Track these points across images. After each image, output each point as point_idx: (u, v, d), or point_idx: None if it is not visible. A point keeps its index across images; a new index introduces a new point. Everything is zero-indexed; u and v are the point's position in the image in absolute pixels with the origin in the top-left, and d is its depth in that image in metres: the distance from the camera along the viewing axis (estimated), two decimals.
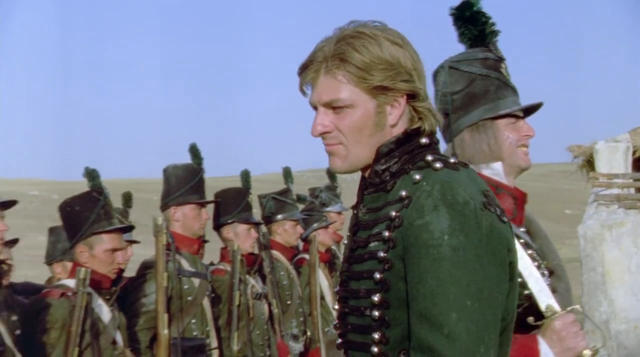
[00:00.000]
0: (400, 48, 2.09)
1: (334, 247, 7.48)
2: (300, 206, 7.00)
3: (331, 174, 7.95)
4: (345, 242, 2.26)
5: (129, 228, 4.80)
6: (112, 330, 4.29)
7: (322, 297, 6.93)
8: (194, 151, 5.35)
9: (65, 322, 4.05)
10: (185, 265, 5.02)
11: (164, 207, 5.20)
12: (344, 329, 2.14)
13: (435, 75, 2.92)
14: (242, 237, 5.68)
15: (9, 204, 3.93)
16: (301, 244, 7.09)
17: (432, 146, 2.13)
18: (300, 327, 6.38)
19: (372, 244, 2.08)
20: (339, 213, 7.72)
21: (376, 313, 2.03)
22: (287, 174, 7.19)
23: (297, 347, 6.25)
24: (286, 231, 6.48)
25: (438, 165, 2.05)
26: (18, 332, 3.83)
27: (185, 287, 4.97)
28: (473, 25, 2.92)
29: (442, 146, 2.36)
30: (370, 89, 2.08)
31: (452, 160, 2.09)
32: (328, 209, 7.58)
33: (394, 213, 2.03)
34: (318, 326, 6.66)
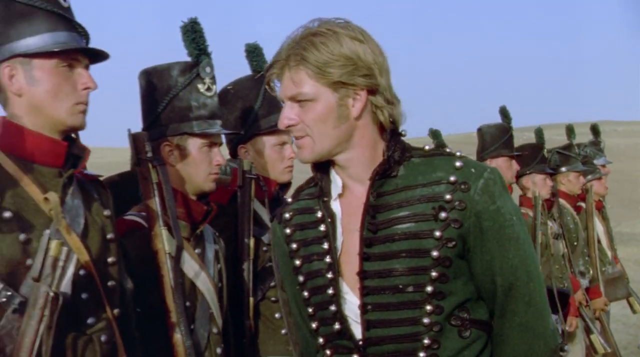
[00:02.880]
0: (361, 43, 2.20)
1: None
2: None
3: (595, 130, 8.66)
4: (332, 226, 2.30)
5: None
6: None
7: (599, 241, 7.74)
8: (504, 112, 6.29)
9: None
10: None
11: (480, 160, 6.19)
12: (364, 309, 2.21)
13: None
14: (540, 185, 6.59)
15: None
16: None
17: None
18: (586, 266, 7.24)
19: (408, 225, 2.21)
20: (603, 166, 8.45)
21: (429, 288, 2.19)
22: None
23: (584, 282, 7.11)
24: (570, 181, 7.32)
25: (458, 153, 2.30)
26: None
27: None
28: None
29: None
30: (330, 84, 2.19)
31: (448, 149, 2.38)
32: (595, 162, 8.33)
33: (449, 196, 2.21)
34: (597, 265, 7.48)
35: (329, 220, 2.27)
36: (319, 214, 2.29)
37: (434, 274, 2.18)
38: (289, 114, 2.22)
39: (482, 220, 2.21)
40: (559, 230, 6.74)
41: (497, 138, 6.14)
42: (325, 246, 2.27)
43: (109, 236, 2.43)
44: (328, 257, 2.26)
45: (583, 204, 7.65)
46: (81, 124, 2.39)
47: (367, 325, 2.20)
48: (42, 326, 2.02)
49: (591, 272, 7.37)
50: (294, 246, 2.34)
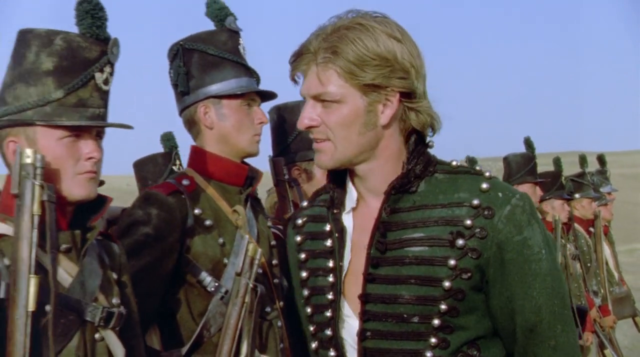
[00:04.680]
0: (399, 43, 1.98)
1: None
2: None
3: (601, 160, 9.26)
4: (321, 242, 2.15)
5: None
6: None
7: (606, 263, 8.31)
8: (529, 143, 6.86)
9: None
10: None
11: None
12: (363, 335, 2.03)
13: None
14: (558, 210, 7.15)
15: None
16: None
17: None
18: (598, 285, 7.81)
19: (421, 248, 2.00)
20: (609, 193, 9.04)
21: (437, 321, 1.98)
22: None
23: (597, 301, 7.66)
24: (583, 207, 7.90)
25: (487, 173, 2.08)
26: None
27: None
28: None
29: None
30: (361, 86, 1.98)
31: (478, 167, 2.14)
32: (601, 190, 8.92)
33: (469, 222, 1.99)
34: (605, 285, 8.04)
35: (337, 235, 2.09)
36: (327, 227, 2.12)
37: (443, 306, 1.97)
38: (310, 114, 2.02)
39: (505, 251, 1.99)
40: (576, 252, 7.31)
41: (522, 166, 6.70)
42: (331, 263, 2.09)
43: (272, 242, 2.88)
44: (331, 275, 2.08)
45: (592, 229, 8.23)
46: (257, 152, 2.86)
47: (364, 353, 2.02)
48: (243, 311, 2.51)
49: (602, 291, 7.93)
50: (303, 255, 2.17)
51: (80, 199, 2.17)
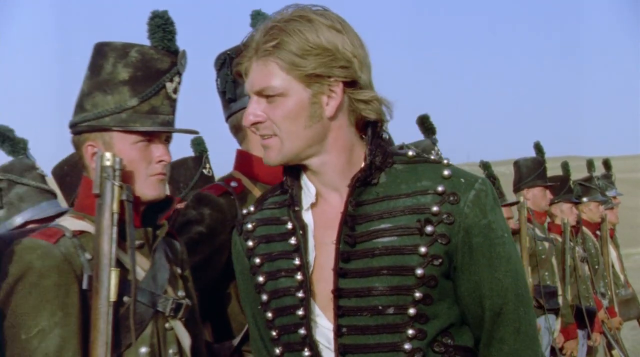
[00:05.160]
0: (339, 33, 1.97)
1: None
2: None
3: (607, 164, 9.45)
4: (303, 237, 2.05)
5: None
6: None
7: (612, 265, 8.49)
8: (539, 147, 7.05)
9: None
10: (538, 232, 6.73)
11: (517, 189, 6.94)
12: (339, 332, 1.98)
13: None
14: (567, 213, 7.33)
15: None
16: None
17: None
18: (605, 287, 8.00)
19: (390, 239, 1.97)
20: (614, 197, 9.23)
21: (412, 310, 1.95)
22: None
23: (605, 302, 7.85)
24: (591, 210, 8.09)
25: (445, 161, 2.06)
26: None
27: (539, 248, 6.67)
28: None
29: None
30: (303, 77, 1.95)
31: (432, 156, 2.14)
32: (607, 193, 9.11)
33: (436, 208, 1.97)
34: (612, 288, 8.23)
35: (301, 232, 2.04)
36: (290, 225, 2.06)
37: (417, 294, 1.95)
38: (254, 110, 1.99)
39: (472, 236, 1.98)
40: (584, 254, 7.49)
41: (532, 170, 6.88)
42: (297, 261, 2.03)
43: None
44: (299, 273, 2.02)
45: (599, 232, 8.42)
46: None
47: (341, 350, 1.97)
48: None
49: (609, 293, 8.11)
50: (257, 260, 2.10)
51: (152, 199, 2.34)
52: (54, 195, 3.57)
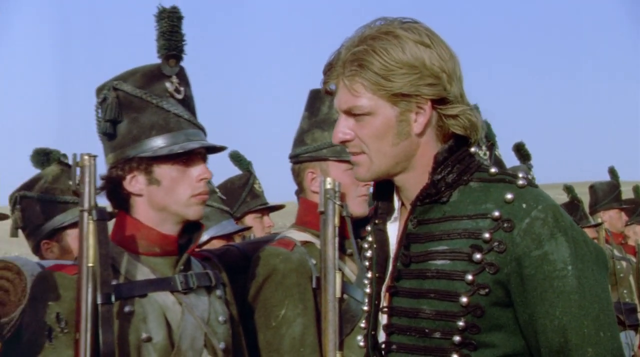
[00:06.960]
0: (427, 48, 1.94)
1: None
2: None
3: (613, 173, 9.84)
4: (367, 251, 2.13)
5: None
6: None
7: None
8: (613, 172, 7.52)
9: None
10: (616, 252, 7.18)
11: (593, 212, 7.40)
12: (388, 348, 1.99)
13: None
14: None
15: None
16: None
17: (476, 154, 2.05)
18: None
19: (443, 262, 1.93)
20: None
21: (457, 338, 1.89)
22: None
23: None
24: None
25: (520, 182, 1.95)
26: None
27: (617, 267, 7.12)
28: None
29: None
30: (389, 96, 1.94)
31: (520, 174, 1.98)
32: None
33: (487, 235, 1.90)
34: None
35: (375, 246, 2.07)
36: (370, 238, 2.12)
37: (461, 323, 1.89)
38: (343, 128, 2.00)
39: (523, 267, 1.88)
40: None
41: (608, 193, 7.37)
42: (369, 274, 2.09)
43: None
44: (368, 287, 2.08)
45: None
46: None
47: None
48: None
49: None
50: (367, 263, 2.15)
51: (360, 215, 2.90)
52: (231, 215, 4.16)
